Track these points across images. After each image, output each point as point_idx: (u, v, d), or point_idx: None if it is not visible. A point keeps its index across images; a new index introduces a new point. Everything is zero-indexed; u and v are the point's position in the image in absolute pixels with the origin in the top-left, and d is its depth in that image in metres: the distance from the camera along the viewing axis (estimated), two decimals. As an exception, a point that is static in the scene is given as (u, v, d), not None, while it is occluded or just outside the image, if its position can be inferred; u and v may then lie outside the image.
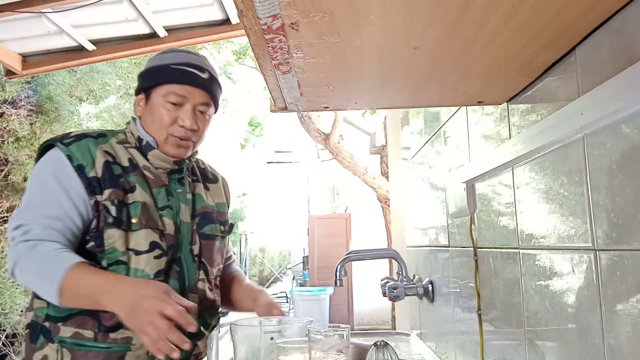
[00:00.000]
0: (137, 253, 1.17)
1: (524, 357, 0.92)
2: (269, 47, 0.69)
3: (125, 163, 1.23)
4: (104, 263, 1.15)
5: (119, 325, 1.13)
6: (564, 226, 0.76)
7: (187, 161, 1.32)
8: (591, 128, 0.67)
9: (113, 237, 1.15)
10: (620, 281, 0.62)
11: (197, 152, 1.37)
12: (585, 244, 0.70)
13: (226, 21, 3.09)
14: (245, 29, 0.64)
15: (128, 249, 1.17)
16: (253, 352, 1.04)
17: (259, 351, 1.04)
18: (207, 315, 1.29)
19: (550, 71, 0.82)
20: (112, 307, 1.05)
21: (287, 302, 10.13)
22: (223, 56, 8.33)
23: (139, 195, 1.21)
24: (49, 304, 1.15)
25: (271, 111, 1.09)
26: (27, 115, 5.84)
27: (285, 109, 1.02)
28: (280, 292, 11.67)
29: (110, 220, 1.15)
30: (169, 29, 3.07)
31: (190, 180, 1.35)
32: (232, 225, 1.45)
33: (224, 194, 1.47)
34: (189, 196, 1.31)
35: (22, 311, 5.26)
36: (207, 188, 1.40)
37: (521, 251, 0.92)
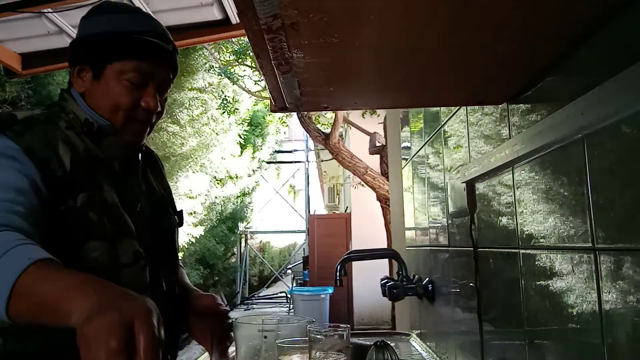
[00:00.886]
0: (122, 267, 0.97)
1: (524, 357, 0.92)
2: (269, 47, 0.69)
3: (84, 155, 0.99)
4: None
5: None
6: (564, 226, 0.76)
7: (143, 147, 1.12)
8: (591, 128, 0.67)
9: (97, 251, 0.94)
10: (620, 281, 0.62)
11: None
12: (585, 244, 0.70)
13: (226, 21, 3.09)
14: (245, 29, 0.64)
15: (113, 263, 0.96)
16: (252, 351, 1.04)
17: (258, 350, 1.03)
18: (179, 320, 1.14)
19: (550, 71, 0.82)
20: (70, 314, 0.66)
21: (287, 302, 10.14)
22: (223, 56, 8.33)
23: (109, 195, 0.99)
24: (5, 337, 0.90)
25: (271, 111, 1.09)
26: (27, 115, 5.84)
27: (285, 109, 1.02)
28: (280, 292, 11.67)
29: (98, 230, 0.95)
30: (168, 29, 3.06)
31: (137, 167, 1.12)
32: (181, 213, 1.23)
33: (164, 174, 1.24)
34: (143, 187, 1.12)
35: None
36: (152, 171, 1.18)
37: (521, 251, 0.92)
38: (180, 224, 1.21)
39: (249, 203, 13.76)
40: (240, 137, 10.12)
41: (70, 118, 1.02)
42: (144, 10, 2.82)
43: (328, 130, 5.61)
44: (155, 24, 1.08)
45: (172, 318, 1.10)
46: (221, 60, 8.28)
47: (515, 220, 0.95)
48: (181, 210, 1.23)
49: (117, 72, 1.01)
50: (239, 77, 8.56)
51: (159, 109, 1.06)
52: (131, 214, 1.03)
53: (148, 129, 1.08)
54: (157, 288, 1.06)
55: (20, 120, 0.95)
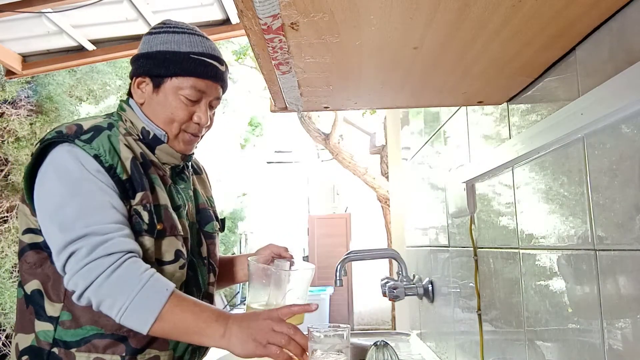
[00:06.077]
0: (162, 264, 1.05)
1: (524, 357, 0.92)
2: (269, 47, 0.69)
3: (140, 159, 1.08)
4: None
5: (146, 345, 1.04)
6: (564, 226, 0.76)
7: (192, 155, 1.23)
8: (591, 128, 0.67)
9: (145, 246, 1.03)
10: (620, 281, 0.62)
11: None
12: (585, 244, 0.70)
13: (226, 21, 3.10)
14: (245, 29, 0.64)
15: (157, 258, 1.05)
16: (261, 287, 1.16)
17: (266, 287, 1.15)
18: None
19: (550, 71, 0.82)
20: (220, 338, 0.96)
21: (287, 302, 10.11)
22: (223, 56, 8.31)
23: (161, 196, 1.08)
24: (56, 326, 1.02)
25: (271, 111, 1.09)
26: (27, 115, 5.84)
27: (285, 109, 1.02)
28: (280, 292, 11.62)
29: (145, 227, 1.03)
30: (168, 29, 3.07)
31: (188, 174, 1.23)
32: (224, 221, 1.35)
33: (209, 187, 1.35)
34: (191, 192, 1.21)
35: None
36: (197, 181, 1.29)
37: (521, 251, 0.92)
38: (222, 229, 1.32)
39: (249, 203, 13.74)
40: (240, 137, 10.10)
41: (128, 126, 1.12)
42: (144, 9, 2.83)
43: (328, 131, 5.60)
44: (212, 46, 1.17)
45: None
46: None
47: (515, 220, 0.95)
48: (224, 218, 1.34)
49: (175, 87, 1.10)
50: (239, 78, 8.54)
51: (209, 124, 1.16)
52: (179, 217, 1.12)
53: (198, 141, 1.19)
54: (192, 286, 1.15)
55: (87, 129, 1.03)
